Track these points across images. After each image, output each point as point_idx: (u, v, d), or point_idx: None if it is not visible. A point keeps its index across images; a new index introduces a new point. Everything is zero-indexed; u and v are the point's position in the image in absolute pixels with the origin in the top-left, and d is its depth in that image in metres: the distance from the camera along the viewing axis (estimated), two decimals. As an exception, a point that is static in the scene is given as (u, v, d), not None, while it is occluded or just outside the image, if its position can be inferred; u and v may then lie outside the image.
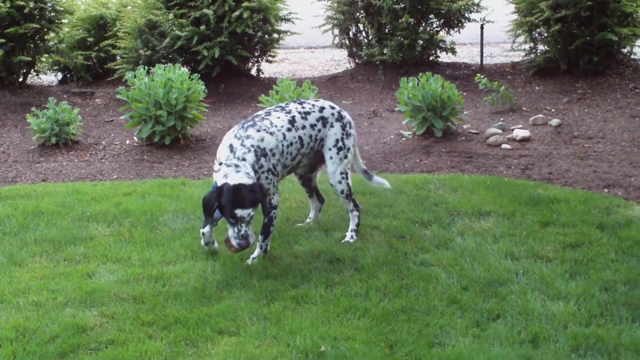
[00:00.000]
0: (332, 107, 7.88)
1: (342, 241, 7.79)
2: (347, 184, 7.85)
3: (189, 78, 11.48)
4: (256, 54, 15.67)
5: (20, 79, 15.04)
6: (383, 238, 7.86)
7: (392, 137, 11.69)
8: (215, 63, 14.30)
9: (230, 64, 14.57)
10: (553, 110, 12.76)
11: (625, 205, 8.55)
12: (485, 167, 10.17)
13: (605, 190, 9.15)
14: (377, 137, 11.72)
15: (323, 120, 7.75)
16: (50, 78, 16.68)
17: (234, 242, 7.09)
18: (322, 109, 7.81)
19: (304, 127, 7.61)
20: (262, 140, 7.31)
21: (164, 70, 11.38)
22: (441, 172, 10.03)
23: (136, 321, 6.35)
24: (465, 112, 12.26)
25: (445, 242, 7.74)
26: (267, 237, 7.46)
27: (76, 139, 12.01)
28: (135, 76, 11.43)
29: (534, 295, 6.57)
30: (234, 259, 7.42)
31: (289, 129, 7.49)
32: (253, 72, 15.77)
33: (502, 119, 12.26)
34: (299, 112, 7.66)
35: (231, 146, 7.27)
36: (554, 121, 11.89)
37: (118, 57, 15.09)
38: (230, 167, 7.17)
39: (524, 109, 12.89)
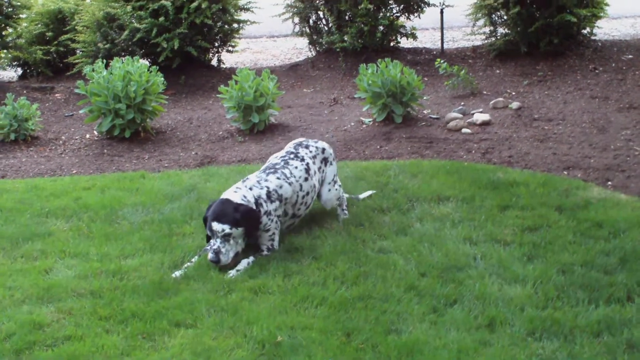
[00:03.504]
0: (329, 147, 8.23)
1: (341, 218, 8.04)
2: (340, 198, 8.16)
3: (148, 70, 11.41)
4: (216, 45, 15.59)
5: (-22, 75, 14.90)
6: (342, 226, 7.84)
7: (352, 124, 11.65)
8: (175, 55, 14.22)
9: (191, 55, 14.50)
10: (514, 93, 12.76)
11: (584, 187, 8.57)
12: (446, 152, 10.16)
13: (565, 173, 9.17)
14: (338, 125, 11.68)
15: (325, 161, 8.06)
16: (10, 74, 16.55)
17: (208, 255, 7.08)
18: (323, 150, 8.09)
19: (315, 172, 7.88)
20: (281, 187, 7.50)
21: (123, 63, 11.29)
22: (401, 158, 10.01)
23: (93, 316, 6.31)
24: (425, 98, 12.25)
25: (404, 228, 7.72)
26: (248, 264, 7.15)
27: (35, 134, 11.92)
28: (93, 70, 11.35)
29: (492, 280, 6.58)
30: (192, 251, 7.39)
31: (305, 179, 7.73)
32: (214, 62, 15.71)
33: (462, 104, 12.26)
34: (310, 158, 7.90)
35: (247, 178, 7.52)
36: (514, 104, 11.90)
37: (78, 51, 14.96)
38: (232, 188, 7.33)
39: (485, 92, 12.89)
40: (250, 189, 7.31)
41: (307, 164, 7.80)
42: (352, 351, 5.68)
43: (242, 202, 7.14)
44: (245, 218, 7.06)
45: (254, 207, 7.19)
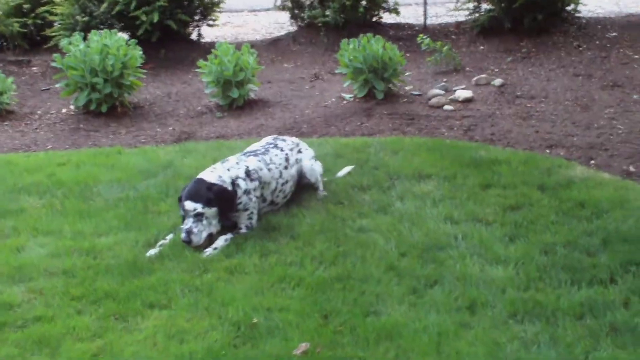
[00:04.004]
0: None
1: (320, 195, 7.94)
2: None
3: (126, 44, 11.21)
4: (197, 18, 15.37)
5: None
6: (321, 204, 7.70)
7: (333, 100, 11.51)
8: (154, 28, 14.02)
9: (171, 29, 14.29)
10: (497, 69, 12.63)
11: (566, 166, 8.45)
12: (428, 129, 10.02)
13: (548, 151, 9.05)
14: (319, 101, 11.53)
15: (299, 151, 8.04)
16: (-13, 46, 16.24)
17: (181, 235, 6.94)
18: (297, 143, 8.14)
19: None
20: (261, 169, 7.42)
21: (100, 36, 11.10)
22: (382, 135, 9.87)
23: (65, 296, 6.16)
24: (407, 74, 12.09)
25: (385, 206, 7.58)
26: (226, 241, 7.03)
27: (11, 108, 11.73)
28: (70, 43, 11.14)
29: (473, 260, 6.45)
30: (167, 229, 7.25)
31: (285, 167, 7.70)
32: (194, 36, 15.52)
33: (445, 80, 12.12)
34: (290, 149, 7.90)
35: (226, 160, 7.42)
36: (497, 81, 11.77)
37: (55, 24, 14.68)
38: (209, 168, 7.23)
39: (468, 69, 12.75)
40: (228, 169, 7.19)
41: (287, 154, 7.79)
42: (330, 333, 5.53)
43: (217, 182, 7.01)
44: (218, 198, 6.93)
45: (230, 188, 7.06)
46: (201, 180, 7.01)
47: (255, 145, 7.91)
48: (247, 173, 7.24)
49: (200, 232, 6.88)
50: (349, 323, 5.65)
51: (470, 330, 5.53)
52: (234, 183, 7.11)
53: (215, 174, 7.09)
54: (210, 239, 6.97)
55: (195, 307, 5.93)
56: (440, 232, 6.98)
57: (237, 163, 7.31)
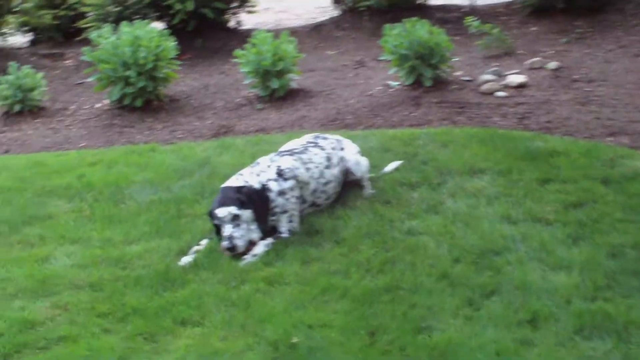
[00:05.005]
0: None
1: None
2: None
3: (159, 34, 10.77)
4: (234, 5, 14.94)
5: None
6: (367, 204, 7.22)
7: (378, 88, 11.02)
8: (190, 17, 13.63)
9: (207, 17, 13.82)
10: (551, 52, 12.06)
11: (631, 156, 7.87)
12: (479, 117, 9.48)
13: (610, 139, 8.48)
14: (363, 89, 11.06)
15: (342, 149, 7.60)
16: (22, 40, 15.99)
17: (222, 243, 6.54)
18: (339, 140, 7.71)
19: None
20: (296, 168, 7.00)
21: (132, 27, 10.68)
22: (431, 125, 9.36)
23: (90, 313, 5.79)
24: (456, 59, 11.50)
25: (435, 205, 7.08)
26: (266, 247, 6.59)
27: (42, 104, 11.41)
28: (99, 35, 10.74)
29: (533, 266, 5.92)
30: (202, 235, 6.86)
31: (327, 167, 7.28)
32: (232, 24, 15.11)
33: (496, 64, 11.54)
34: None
35: (257, 163, 7.06)
36: (552, 64, 11.20)
37: (88, 15, 14.27)
38: (234, 176, 6.86)
39: (520, 52, 12.19)
40: (258, 175, 6.81)
41: (329, 153, 7.35)
42: (377, 354, 5.07)
43: (241, 183, 6.70)
44: (250, 199, 6.56)
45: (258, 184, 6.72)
46: (228, 188, 6.68)
47: (294, 144, 7.47)
48: (280, 173, 6.83)
49: (242, 236, 6.49)
50: (398, 341, 5.16)
51: (533, 348, 5.03)
52: (264, 187, 6.72)
53: (240, 179, 6.75)
54: (251, 246, 6.56)
55: (230, 324, 5.50)
56: (496, 234, 6.46)
57: (268, 166, 6.90)
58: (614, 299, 5.42)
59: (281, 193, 6.75)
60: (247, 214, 6.52)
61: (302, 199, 6.97)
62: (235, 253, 6.43)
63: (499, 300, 5.52)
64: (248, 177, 6.75)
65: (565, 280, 5.67)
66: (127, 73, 10.58)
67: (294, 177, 6.86)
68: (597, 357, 4.87)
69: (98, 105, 11.39)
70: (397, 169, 7.92)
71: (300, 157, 7.06)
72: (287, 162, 6.93)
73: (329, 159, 7.28)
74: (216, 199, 6.64)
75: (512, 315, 5.32)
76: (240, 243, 6.45)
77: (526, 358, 4.91)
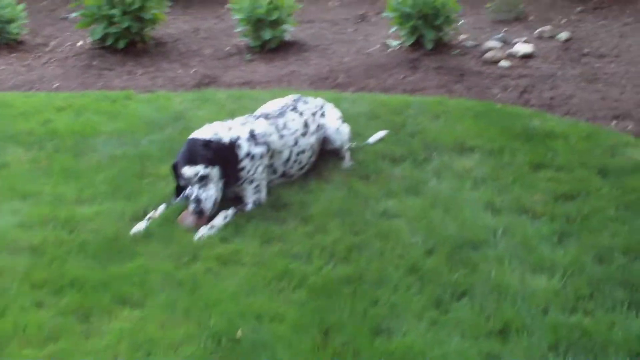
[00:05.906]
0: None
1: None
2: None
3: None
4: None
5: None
6: (343, 178, 6.76)
7: (377, 46, 10.59)
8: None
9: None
10: (564, 21, 11.66)
11: (634, 145, 7.39)
12: (478, 88, 9.04)
13: (614, 123, 8.00)
14: (361, 47, 10.61)
15: (323, 114, 7.15)
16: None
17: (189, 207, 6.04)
18: (322, 105, 7.23)
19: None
20: (270, 135, 6.54)
21: (120, -39, 10.17)
22: (426, 92, 8.93)
23: (25, 281, 5.30)
24: (461, 22, 11.02)
25: (417, 184, 6.61)
26: (225, 219, 6.13)
27: (21, 38, 10.88)
28: (86, -32, 10.23)
29: (512, 265, 5.42)
30: (160, 198, 6.37)
31: (303, 134, 6.81)
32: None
33: (504, 30, 11.04)
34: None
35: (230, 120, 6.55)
36: (563, 34, 10.75)
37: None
38: (203, 127, 6.35)
39: (531, 18, 11.79)
40: (230, 129, 6.28)
41: (306, 119, 6.86)
42: (327, 357, 4.56)
43: (214, 139, 6.15)
44: (218, 155, 6.06)
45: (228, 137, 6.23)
46: (194, 140, 6.15)
47: (273, 105, 6.96)
48: (252, 136, 6.32)
49: (210, 197, 6.01)
50: (353, 344, 4.67)
51: (500, 364, 4.54)
52: (233, 144, 6.19)
53: (210, 131, 6.22)
54: (216, 208, 6.11)
55: (173, 308, 5.02)
56: (477, 223, 5.98)
57: (242, 124, 6.38)
58: (595, 312, 4.92)
59: (250, 156, 6.26)
60: (215, 171, 6.05)
61: (272, 169, 6.51)
62: (204, 216, 5.99)
63: (470, 303, 5.03)
64: (219, 128, 6.25)
65: (545, 285, 5.19)
66: (112, 11, 10.14)
67: (266, 144, 6.36)
68: (569, 380, 4.42)
69: (80, 43, 10.92)
70: (381, 140, 7.41)
71: (276, 122, 6.58)
72: (261, 126, 6.44)
73: (306, 125, 6.81)
74: (182, 151, 6.14)
75: (482, 324, 4.83)
76: (208, 205, 6.00)
77: (490, 376, 4.45)
